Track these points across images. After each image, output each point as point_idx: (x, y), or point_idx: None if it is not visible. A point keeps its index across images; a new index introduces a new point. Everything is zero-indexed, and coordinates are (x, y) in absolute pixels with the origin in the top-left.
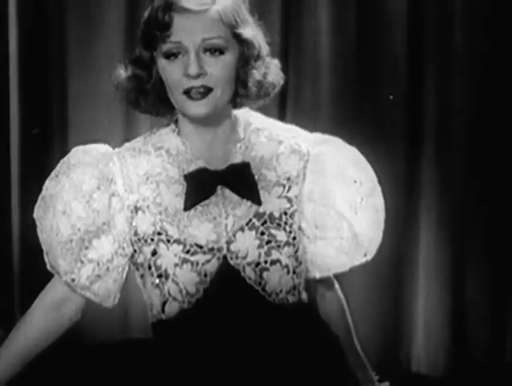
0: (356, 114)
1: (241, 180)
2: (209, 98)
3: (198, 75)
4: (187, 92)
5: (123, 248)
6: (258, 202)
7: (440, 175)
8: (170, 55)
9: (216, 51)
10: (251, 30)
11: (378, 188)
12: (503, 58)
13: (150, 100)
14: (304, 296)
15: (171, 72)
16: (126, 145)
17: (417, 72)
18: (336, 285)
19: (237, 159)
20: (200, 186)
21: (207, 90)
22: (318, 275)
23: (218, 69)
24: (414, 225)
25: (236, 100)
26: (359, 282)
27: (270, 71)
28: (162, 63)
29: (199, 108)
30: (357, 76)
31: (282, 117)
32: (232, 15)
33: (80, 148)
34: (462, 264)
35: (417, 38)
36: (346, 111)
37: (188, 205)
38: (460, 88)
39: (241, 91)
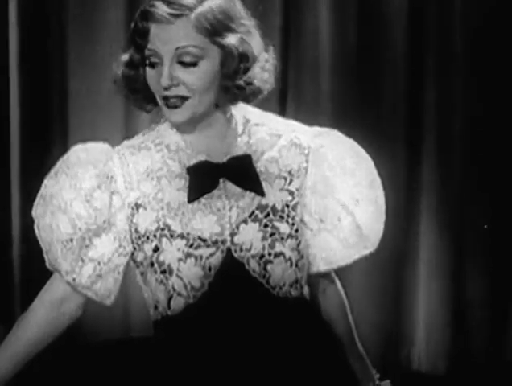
0: (356, 113)
1: (243, 172)
2: (186, 106)
3: (170, 87)
4: (165, 98)
5: (124, 247)
6: (262, 193)
7: (441, 173)
8: (150, 61)
9: (190, 63)
10: (234, 37)
11: (378, 180)
12: (503, 58)
13: (140, 98)
14: (306, 291)
15: (150, 79)
16: (126, 142)
17: (417, 72)
18: (337, 282)
19: (238, 152)
20: (202, 179)
21: (183, 99)
22: (321, 268)
23: (193, 79)
24: (415, 224)
25: (220, 101)
26: (360, 281)
27: (256, 76)
28: (146, 67)
29: (176, 116)
30: (357, 76)
31: (282, 115)
32: (211, 22)
33: (80, 146)
34: (463, 264)
35: (417, 38)
36: (346, 110)
37: (192, 197)
38: (460, 88)
39: (223, 96)
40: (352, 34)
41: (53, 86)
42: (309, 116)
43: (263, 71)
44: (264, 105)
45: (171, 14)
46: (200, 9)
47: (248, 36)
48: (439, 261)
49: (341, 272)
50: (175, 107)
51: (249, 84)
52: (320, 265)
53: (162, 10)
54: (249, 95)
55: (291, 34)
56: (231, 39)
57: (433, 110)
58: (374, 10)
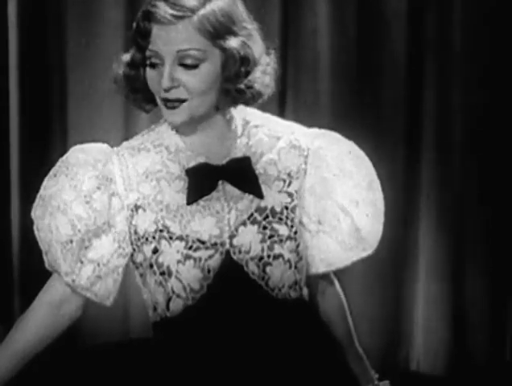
0: (356, 114)
1: (242, 174)
2: (184, 107)
3: (170, 88)
4: (164, 100)
5: (123, 248)
6: (260, 195)
7: (440, 175)
8: (151, 62)
9: (192, 65)
10: (236, 40)
11: (377, 181)
12: (503, 58)
13: (140, 98)
14: (305, 292)
15: (151, 79)
16: (125, 143)
17: (417, 72)
18: (336, 283)
19: (238, 154)
20: (201, 181)
21: (182, 101)
22: (321, 270)
23: (194, 82)
24: (414, 225)
25: (220, 104)
26: (359, 282)
27: (257, 80)
28: (146, 67)
29: (174, 117)
30: (357, 76)
31: (281, 116)
32: (213, 25)
33: (79, 147)
34: (462, 264)
35: (417, 37)
36: (346, 110)
37: (191, 199)
38: (460, 87)
39: (223, 98)
40: (351, 34)
41: (53, 86)
42: (308, 116)
43: (264, 74)
44: (263, 106)
45: (173, 16)
46: (202, 11)
47: (249, 39)
48: (439, 262)
49: (340, 272)
50: (174, 108)
51: (250, 87)
52: (319, 267)
53: (164, 11)
54: (249, 98)
55: (290, 34)
56: (233, 42)
57: (432, 110)
58: (374, 9)
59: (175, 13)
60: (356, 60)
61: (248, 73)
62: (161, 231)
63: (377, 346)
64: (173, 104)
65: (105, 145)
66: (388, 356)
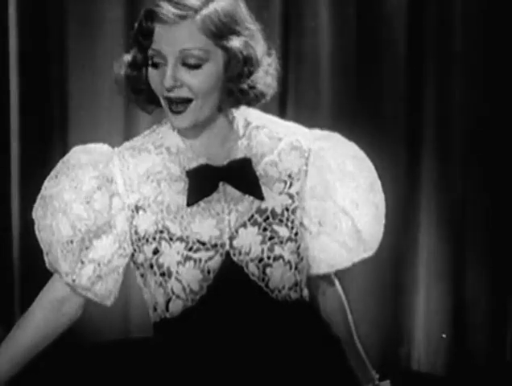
0: (356, 114)
1: (243, 175)
2: (189, 110)
3: (173, 88)
4: (168, 99)
5: (124, 249)
6: (261, 197)
7: (440, 175)
8: (153, 62)
9: (195, 65)
10: (239, 40)
11: (378, 183)
12: (503, 58)
13: (142, 99)
14: (306, 293)
15: (153, 79)
16: (126, 144)
17: (417, 72)
18: (337, 283)
19: (239, 156)
20: (202, 182)
21: (186, 101)
22: (321, 271)
23: (197, 82)
24: (414, 225)
25: (223, 105)
26: (360, 282)
27: (259, 80)
28: (149, 67)
29: (179, 121)
30: (357, 76)
31: (282, 116)
32: (216, 25)
33: (80, 148)
34: (462, 264)
35: (417, 37)
36: (346, 111)
37: (191, 201)
38: (460, 87)
39: (226, 99)
40: (351, 35)
41: (53, 86)
42: (309, 117)
43: (266, 75)
44: (264, 107)
45: (176, 15)
46: (205, 10)
47: (252, 40)
48: (439, 262)
49: (341, 273)
50: (179, 112)
51: (253, 87)
52: (320, 268)
53: (167, 10)
54: (252, 99)
55: (291, 34)
56: (236, 42)
57: (433, 110)
58: (374, 9)
59: (178, 12)
60: (356, 60)
61: (251, 73)
62: (161, 232)
63: (377, 345)
64: (178, 108)
65: (106, 146)
66: (389, 356)
